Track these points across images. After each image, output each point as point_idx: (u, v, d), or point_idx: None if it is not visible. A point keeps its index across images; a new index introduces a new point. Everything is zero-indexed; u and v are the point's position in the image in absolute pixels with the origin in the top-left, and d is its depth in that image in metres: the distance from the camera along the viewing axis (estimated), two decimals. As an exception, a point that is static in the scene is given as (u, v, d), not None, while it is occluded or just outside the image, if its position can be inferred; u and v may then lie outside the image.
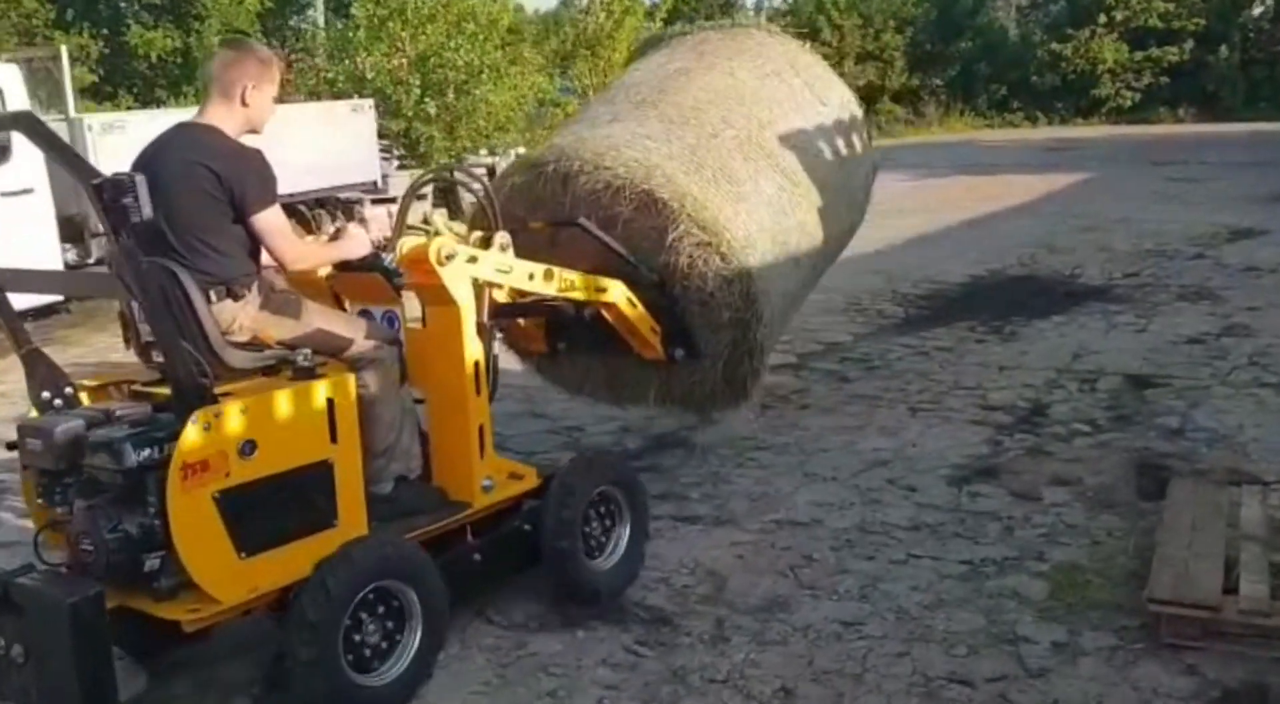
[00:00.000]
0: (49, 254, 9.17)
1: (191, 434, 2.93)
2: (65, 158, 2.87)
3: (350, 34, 14.74)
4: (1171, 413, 5.88)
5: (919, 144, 31.93)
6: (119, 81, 25.52)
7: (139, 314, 3.23)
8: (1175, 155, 23.11)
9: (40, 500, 3.18)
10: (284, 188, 3.54)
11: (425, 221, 12.16)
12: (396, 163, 14.93)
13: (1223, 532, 3.93)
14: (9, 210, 8.83)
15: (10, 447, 3.25)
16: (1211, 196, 15.82)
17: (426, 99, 14.35)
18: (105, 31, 24.40)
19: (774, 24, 8.06)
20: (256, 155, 3.34)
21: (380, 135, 14.83)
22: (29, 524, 3.63)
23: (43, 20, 24.34)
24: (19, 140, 8.77)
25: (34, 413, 3.27)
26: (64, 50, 10.00)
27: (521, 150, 14.95)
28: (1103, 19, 35.72)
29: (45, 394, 3.28)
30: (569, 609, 3.87)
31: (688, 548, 4.40)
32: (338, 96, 14.77)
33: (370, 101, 12.32)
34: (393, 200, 13.29)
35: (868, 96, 38.90)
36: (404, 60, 14.50)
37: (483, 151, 16.05)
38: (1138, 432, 5.60)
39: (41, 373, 3.31)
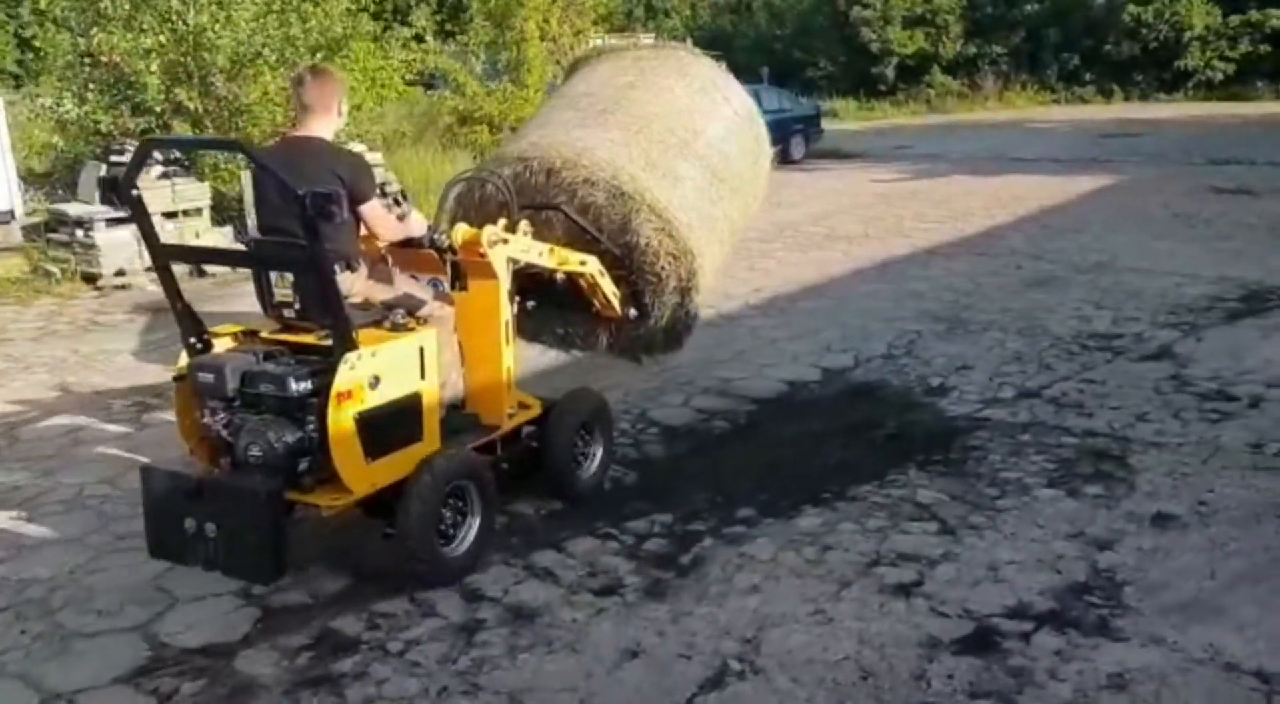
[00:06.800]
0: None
1: (343, 371, 3.81)
2: (270, 174, 3.86)
3: (91, 2, 11.33)
4: None
5: (956, 125, 27.61)
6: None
7: (275, 280, 4.13)
8: (1246, 150, 18.55)
9: (205, 421, 4.04)
10: None
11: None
12: (160, 170, 11.65)
13: None
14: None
15: (176, 379, 4.17)
16: (1255, 227, 11.60)
17: (176, 89, 10.97)
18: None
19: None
20: (361, 158, 4.61)
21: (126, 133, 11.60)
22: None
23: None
24: None
25: (184, 355, 4.16)
26: None
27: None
28: (1192, -23, 30.56)
29: (191, 339, 4.16)
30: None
31: None
32: (87, 85, 11.55)
33: (-2, 99, 9.00)
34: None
35: (917, 66, 34.39)
36: (159, 40, 11.13)
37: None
38: None
39: (188, 323, 4.16)
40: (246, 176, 11.94)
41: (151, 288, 10.58)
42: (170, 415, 6.52)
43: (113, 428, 6.32)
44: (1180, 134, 22.49)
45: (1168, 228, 11.70)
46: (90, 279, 10.67)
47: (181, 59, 11.04)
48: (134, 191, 4.00)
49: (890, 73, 33.93)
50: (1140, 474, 5.14)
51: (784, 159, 19.84)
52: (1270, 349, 7.07)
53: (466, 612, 4.10)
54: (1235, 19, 30.57)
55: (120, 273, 10.77)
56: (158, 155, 10.70)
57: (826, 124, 23.87)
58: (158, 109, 11.08)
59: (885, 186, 16.16)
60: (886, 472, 5.31)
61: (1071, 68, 33.54)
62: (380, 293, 4.31)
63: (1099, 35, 33.07)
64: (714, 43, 29.62)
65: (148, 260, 11.88)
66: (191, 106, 11.03)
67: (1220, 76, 31.10)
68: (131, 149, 11.63)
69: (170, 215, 11.10)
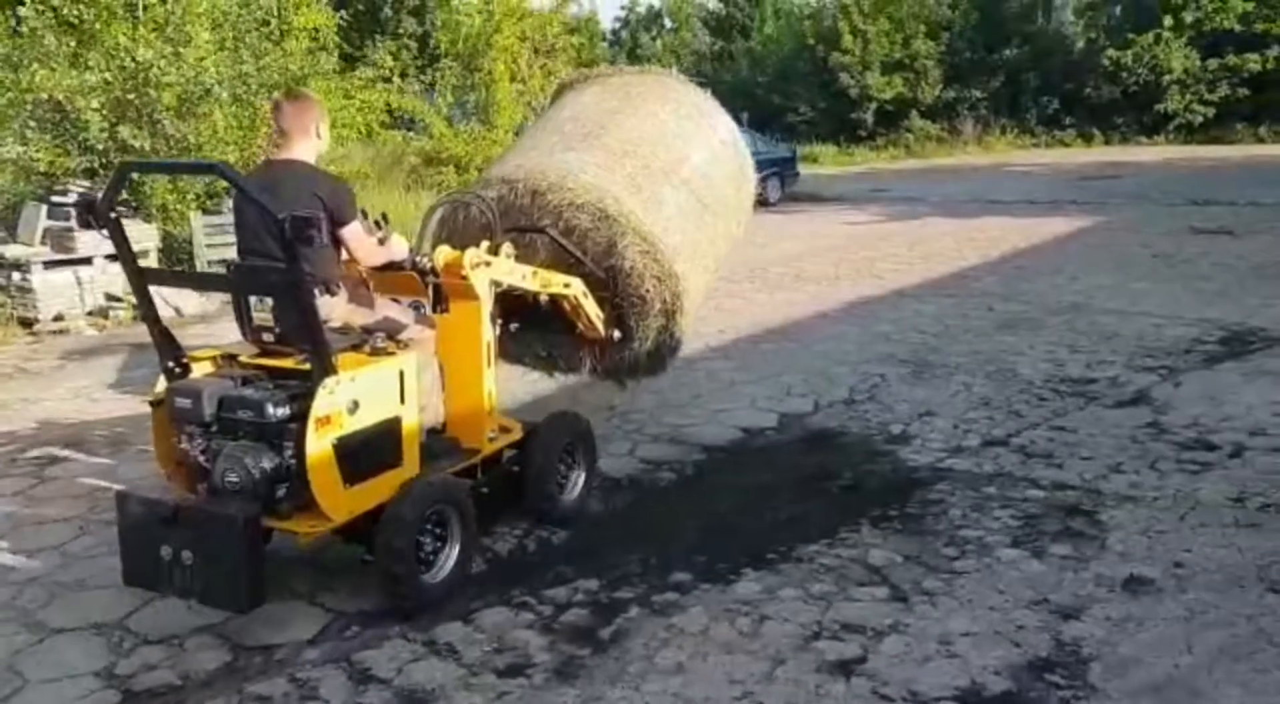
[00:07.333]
0: None
1: (322, 396, 3.76)
2: (251, 198, 3.79)
3: (35, 40, 10.96)
4: None
5: (934, 169, 27.40)
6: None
7: (255, 304, 4.06)
8: (1227, 191, 18.33)
9: (183, 446, 3.99)
10: None
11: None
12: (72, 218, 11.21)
13: None
14: None
15: (153, 405, 4.10)
16: (1235, 267, 11.26)
17: (120, 127, 10.59)
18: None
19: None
20: (342, 180, 4.48)
21: (68, 173, 11.18)
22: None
23: None
24: None
25: (163, 378, 4.10)
26: None
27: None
28: (1169, 21, 30.59)
29: (169, 363, 4.11)
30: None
31: None
32: (28, 123, 11.16)
33: None
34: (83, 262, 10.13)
35: (896, 111, 34.28)
36: (105, 77, 10.76)
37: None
38: None
39: (166, 347, 4.11)
40: (195, 218, 11.58)
41: (89, 332, 10.14)
42: (77, 468, 6.10)
43: (8, 483, 5.84)
44: (1160, 175, 22.30)
45: (1146, 268, 11.35)
46: (27, 323, 10.23)
47: (128, 96, 10.65)
48: (112, 214, 3.95)
49: (869, 118, 33.83)
50: (1112, 532, 4.70)
51: (759, 202, 19.58)
52: (1252, 394, 6.66)
53: (351, 694, 3.63)
54: (1214, 63, 30.56)
55: (59, 317, 10.34)
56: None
57: (805, 169, 23.66)
58: (100, 147, 10.65)
59: (859, 228, 15.84)
60: (838, 528, 4.87)
61: (1051, 112, 33.50)
62: (360, 317, 4.30)
63: (1078, 79, 33.07)
64: (694, 87, 29.50)
65: (89, 304, 11.69)
66: (137, 145, 10.62)
67: (1200, 119, 31.03)
68: (74, 189, 11.28)
69: (114, 258, 10.67)
